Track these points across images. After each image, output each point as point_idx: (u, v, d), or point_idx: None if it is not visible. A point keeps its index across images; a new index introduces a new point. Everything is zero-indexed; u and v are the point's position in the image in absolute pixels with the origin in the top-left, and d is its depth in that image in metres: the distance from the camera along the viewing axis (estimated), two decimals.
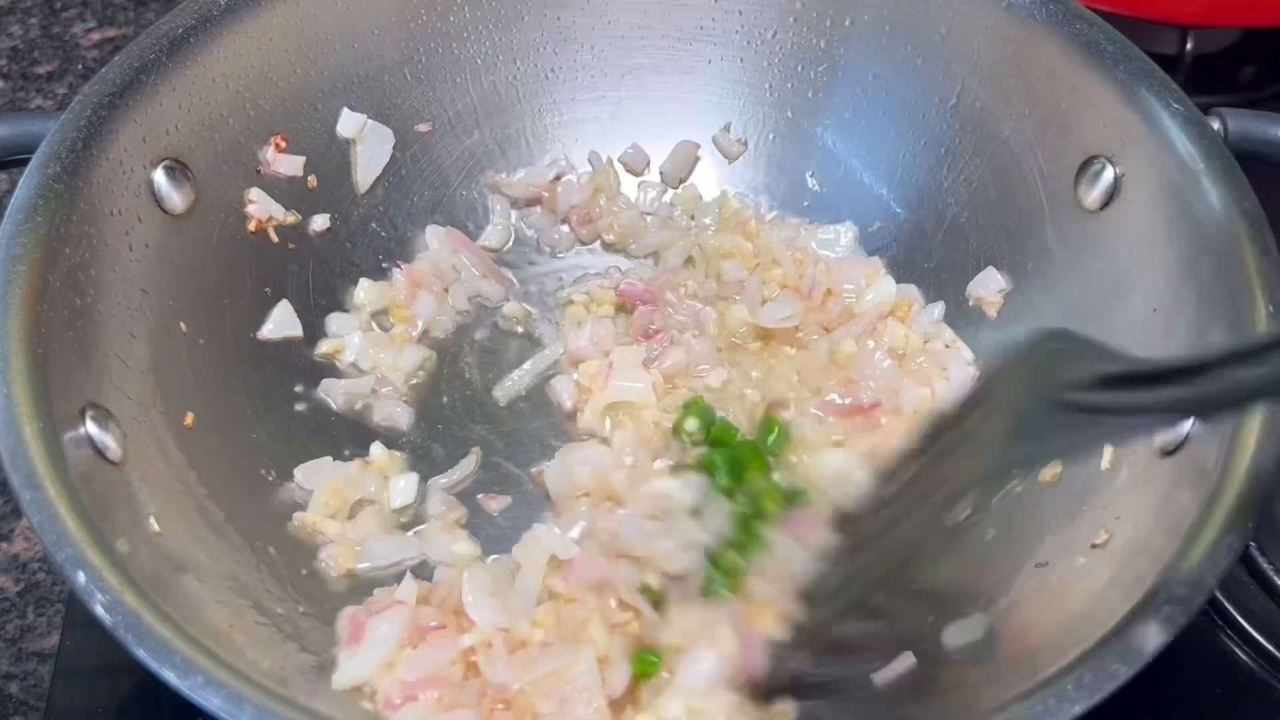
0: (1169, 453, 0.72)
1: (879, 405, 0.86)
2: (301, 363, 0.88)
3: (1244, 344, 0.55)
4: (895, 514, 0.66)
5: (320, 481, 0.82)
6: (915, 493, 0.65)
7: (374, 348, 0.89)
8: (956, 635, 0.74)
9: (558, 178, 0.97)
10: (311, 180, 0.90)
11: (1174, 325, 0.76)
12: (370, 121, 0.92)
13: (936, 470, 0.64)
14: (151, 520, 0.70)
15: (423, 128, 0.94)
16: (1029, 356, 0.61)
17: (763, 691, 0.70)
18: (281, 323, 0.88)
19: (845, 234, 0.95)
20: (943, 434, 0.65)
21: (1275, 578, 0.83)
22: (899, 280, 0.92)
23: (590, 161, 0.98)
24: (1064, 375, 0.58)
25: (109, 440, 0.71)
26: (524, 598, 0.75)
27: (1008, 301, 0.89)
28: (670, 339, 0.89)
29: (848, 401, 0.86)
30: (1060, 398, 0.58)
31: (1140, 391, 0.57)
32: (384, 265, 0.93)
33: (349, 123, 0.91)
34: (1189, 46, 1.09)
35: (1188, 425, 0.71)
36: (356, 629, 0.74)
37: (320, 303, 0.90)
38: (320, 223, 0.91)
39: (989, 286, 0.89)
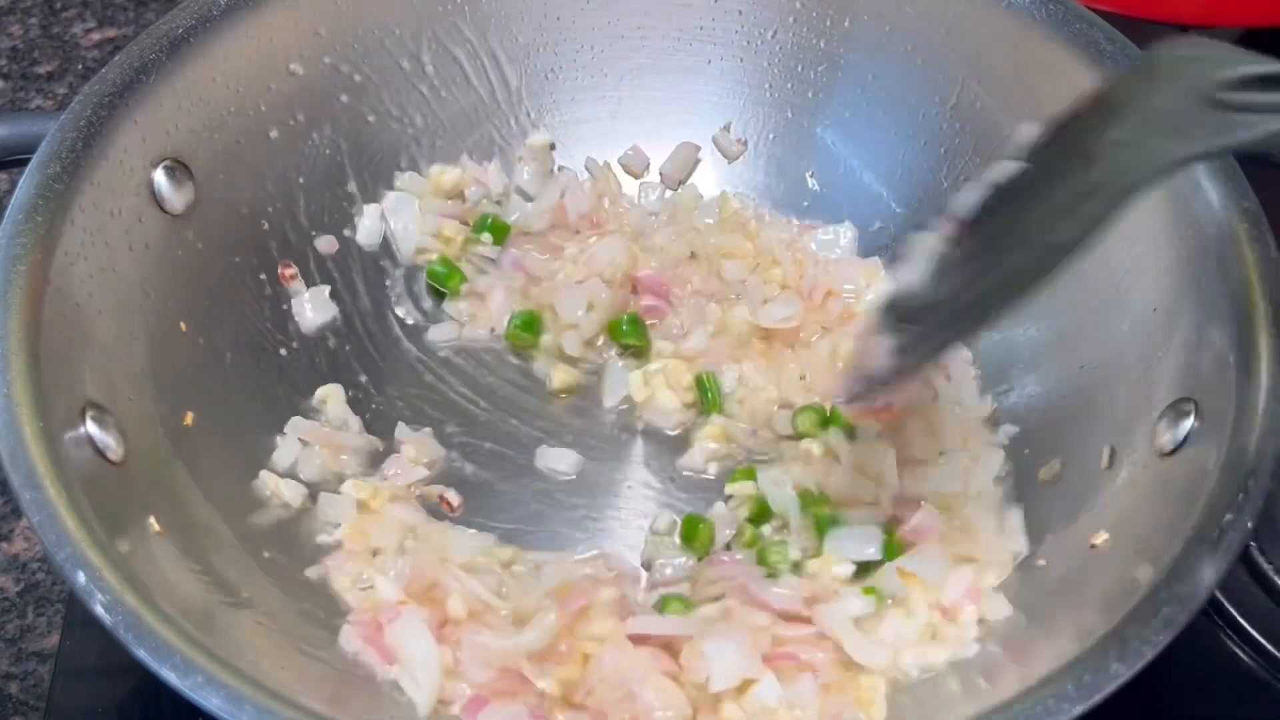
0: (1169, 453, 0.72)
1: (894, 405, 0.86)
2: (300, 364, 0.88)
3: None
4: (1014, 216, 0.63)
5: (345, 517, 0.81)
6: (1037, 194, 0.62)
7: None
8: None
9: (563, 194, 0.96)
10: None
11: (1174, 325, 0.76)
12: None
13: (1065, 171, 0.61)
14: (151, 520, 0.70)
15: (421, 126, 0.94)
16: (1169, 59, 0.59)
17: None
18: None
19: (845, 234, 0.95)
20: (1061, 138, 0.62)
21: (1275, 578, 0.83)
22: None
23: (588, 168, 0.98)
24: (1213, 73, 0.58)
25: (109, 440, 0.71)
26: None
27: None
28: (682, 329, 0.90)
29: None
30: (1211, 95, 0.57)
31: None
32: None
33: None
34: None
35: (1188, 425, 0.71)
36: (384, 650, 0.73)
37: None
38: (326, 244, 0.91)
39: None
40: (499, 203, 0.95)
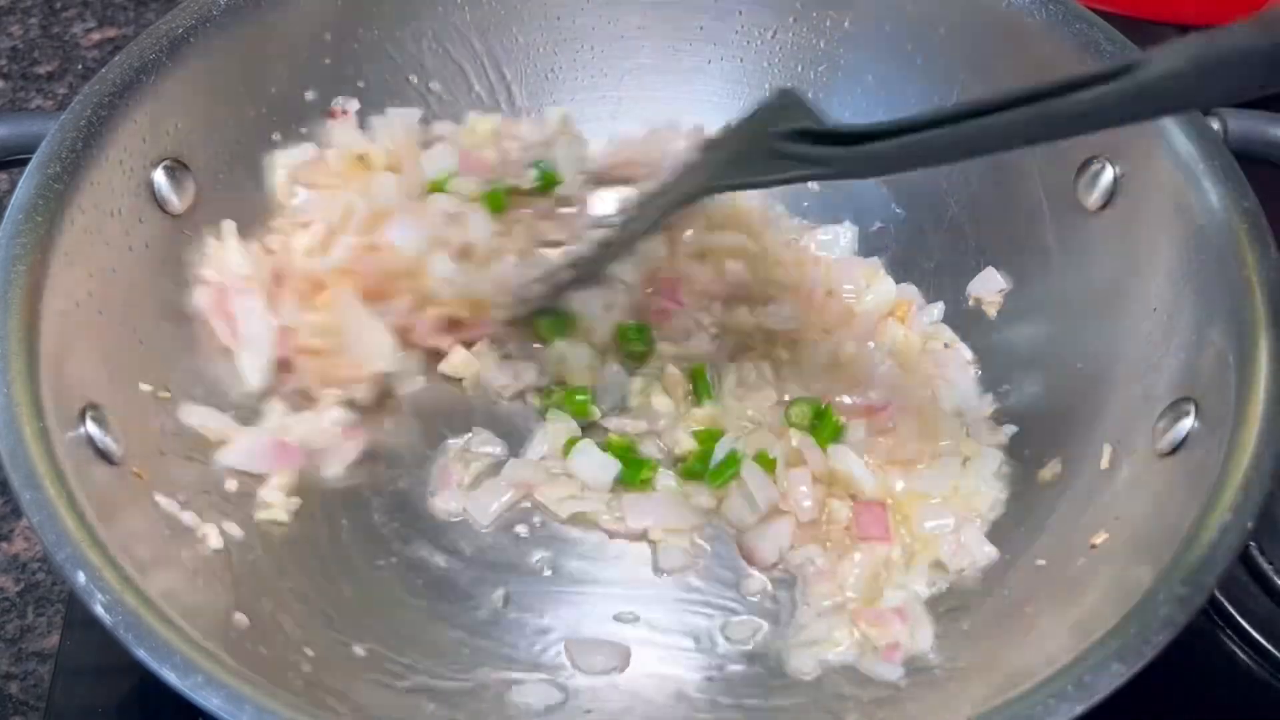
0: (1169, 453, 0.72)
1: (890, 405, 0.86)
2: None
3: (932, 113, 0.67)
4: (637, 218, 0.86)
5: None
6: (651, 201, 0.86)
7: None
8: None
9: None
10: None
11: (1174, 325, 0.76)
12: None
13: (668, 189, 0.84)
14: (152, 520, 0.70)
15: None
16: (755, 111, 0.77)
17: None
18: None
19: (845, 234, 0.95)
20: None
21: (1275, 578, 0.83)
22: (899, 280, 0.92)
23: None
24: (774, 125, 0.74)
25: (109, 440, 0.71)
26: None
27: (1007, 301, 0.89)
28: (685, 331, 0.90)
29: (859, 402, 0.86)
30: (768, 144, 0.74)
31: (826, 148, 0.72)
32: None
33: None
34: None
35: (1188, 425, 0.71)
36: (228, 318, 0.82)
37: None
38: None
39: (989, 286, 0.89)
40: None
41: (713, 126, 0.96)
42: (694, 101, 0.98)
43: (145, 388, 0.77)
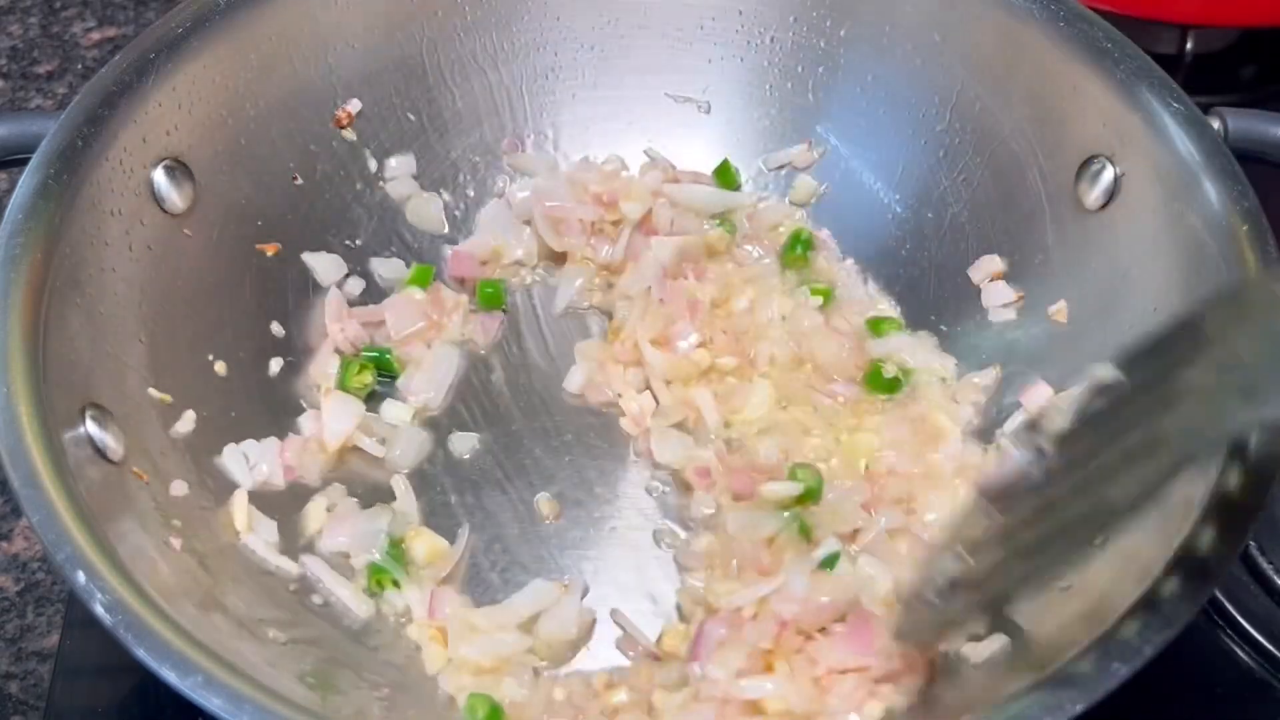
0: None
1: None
2: (302, 364, 0.88)
3: None
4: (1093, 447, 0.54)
5: None
6: (1113, 430, 0.54)
7: None
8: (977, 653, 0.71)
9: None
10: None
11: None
12: None
13: (1144, 408, 0.53)
14: (152, 519, 0.70)
15: (420, 127, 0.95)
16: (1263, 293, 0.51)
17: None
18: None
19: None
20: (1153, 360, 0.54)
21: (1275, 578, 0.83)
22: (899, 279, 0.92)
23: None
24: None
25: (109, 440, 0.71)
26: None
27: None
28: None
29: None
30: None
31: None
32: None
33: None
34: (1189, 46, 1.09)
35: None
36: None
37: None
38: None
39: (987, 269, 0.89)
40: None
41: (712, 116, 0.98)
42: (694, 101, 0.98)
43: (146, 388, 0.77)
